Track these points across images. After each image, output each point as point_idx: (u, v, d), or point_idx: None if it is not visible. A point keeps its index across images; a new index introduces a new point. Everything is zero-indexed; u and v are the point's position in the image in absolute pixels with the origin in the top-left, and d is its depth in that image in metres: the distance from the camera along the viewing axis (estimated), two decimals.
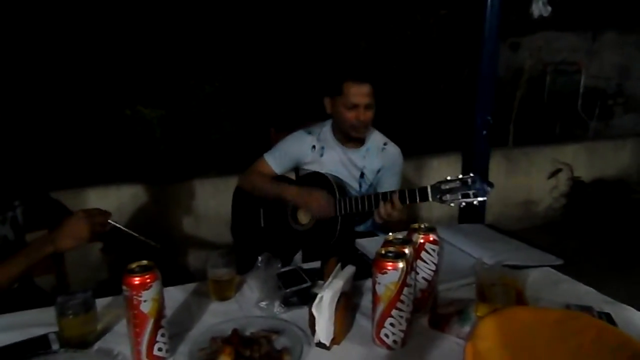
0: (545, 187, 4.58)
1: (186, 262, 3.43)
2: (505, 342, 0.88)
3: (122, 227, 1.43)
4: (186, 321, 1.22)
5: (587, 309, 1.16)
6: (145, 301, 0.99)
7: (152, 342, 1.02)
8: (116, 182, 3.22)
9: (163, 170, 3.38)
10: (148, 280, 0.99)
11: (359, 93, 1.91)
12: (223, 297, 1.33)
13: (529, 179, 4.52)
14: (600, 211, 4.49)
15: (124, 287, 0.99)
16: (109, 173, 3.35)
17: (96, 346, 1.13)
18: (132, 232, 1.44)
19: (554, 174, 4.54)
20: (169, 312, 1.14)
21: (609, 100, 4.62)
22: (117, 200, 3.15)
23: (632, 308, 1.23)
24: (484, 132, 3.63)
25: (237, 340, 1.07)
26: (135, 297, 0.99)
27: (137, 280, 0.99)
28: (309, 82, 3.29)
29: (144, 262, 1.03)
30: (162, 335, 1.04)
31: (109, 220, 1.39)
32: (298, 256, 1.91)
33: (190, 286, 1.40)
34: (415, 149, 2.32)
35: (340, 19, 3.34)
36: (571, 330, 0.94)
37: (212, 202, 3.38)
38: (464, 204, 1.56)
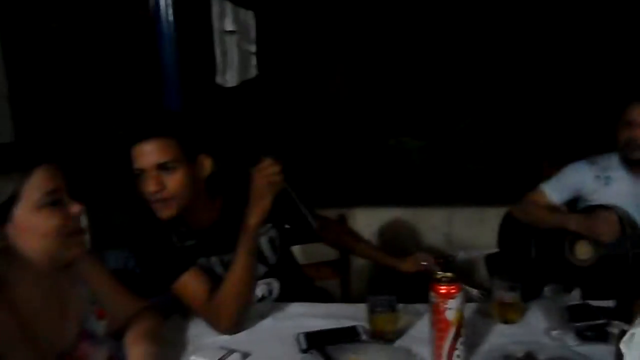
0: None
1: None
2: None
3: (291, 191, 1.38)
4: (473, 336, 1.29)
5: None
6: (450, 309, 1.10)
7: (453, 348, 1.12)
8: (378, 204, 3.51)
9: (419, 195, 3.56)
10: (453, 291, 1.11)
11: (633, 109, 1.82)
12: (508, 320, 1.37)
13: None
14: None
15: (432, 294, 1.12)
16: (371, 196, 3.65)
17: (396, 343, 1.29)
18: (298, 202, 1.42)
19: None
20: None
21: None
22: (379, 222, 3.43)
23: None
24: None
25: None
26: (442, 304, 1.11)
27: (444, 289, 1.11)
28: (595, 110, 2.95)
29: (449, 274, 1.14)
30: (461, 343, 1.13)
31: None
32: (576, 292, 1.81)
33: (473, 305, 1.47)
34: None
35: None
36: None
37: (467, 230, 3.39)
38: None
